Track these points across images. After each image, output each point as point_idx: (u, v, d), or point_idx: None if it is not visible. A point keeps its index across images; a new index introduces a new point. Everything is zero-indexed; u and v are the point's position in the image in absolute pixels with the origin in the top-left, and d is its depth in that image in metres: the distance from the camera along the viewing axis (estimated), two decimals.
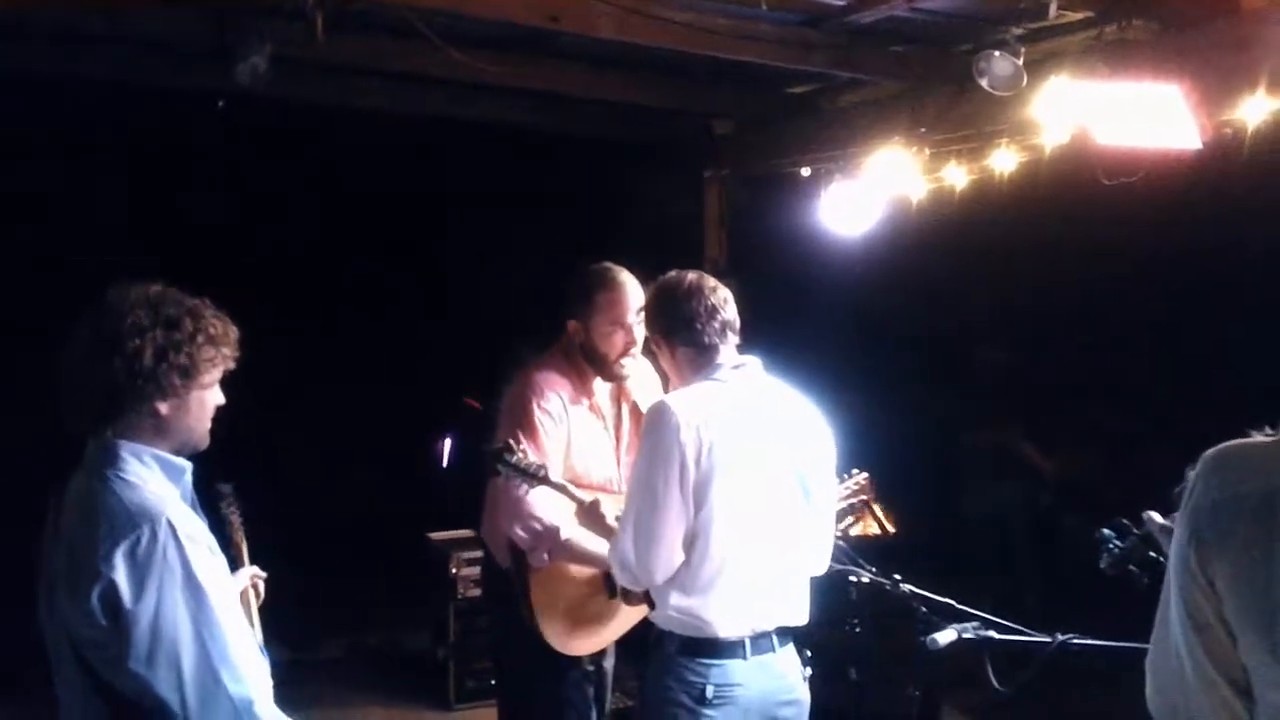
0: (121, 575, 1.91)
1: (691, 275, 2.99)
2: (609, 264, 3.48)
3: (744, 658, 2.80)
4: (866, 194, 5.05)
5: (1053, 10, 3.30)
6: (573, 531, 3.26)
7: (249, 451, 5.68)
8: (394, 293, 6.16)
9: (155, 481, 2.05)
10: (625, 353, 3.42)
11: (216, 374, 2.16)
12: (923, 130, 4.68)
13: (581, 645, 3.42)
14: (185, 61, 4.96)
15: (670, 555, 2.78)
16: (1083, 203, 4.24)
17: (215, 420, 2.21)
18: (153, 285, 2.13)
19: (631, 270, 3.55)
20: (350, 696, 5.62)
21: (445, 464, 6.25)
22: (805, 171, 5.82)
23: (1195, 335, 5.27)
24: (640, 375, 3.59)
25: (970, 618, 2.61)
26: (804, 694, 2.97)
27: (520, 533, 3.25)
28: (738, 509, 2.79)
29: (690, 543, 2.78)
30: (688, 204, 6.74)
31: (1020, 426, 6.70)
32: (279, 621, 6.07)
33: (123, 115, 5.20)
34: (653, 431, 2.80)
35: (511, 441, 3.20)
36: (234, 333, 2.19)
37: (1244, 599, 1.44)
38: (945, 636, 2.55)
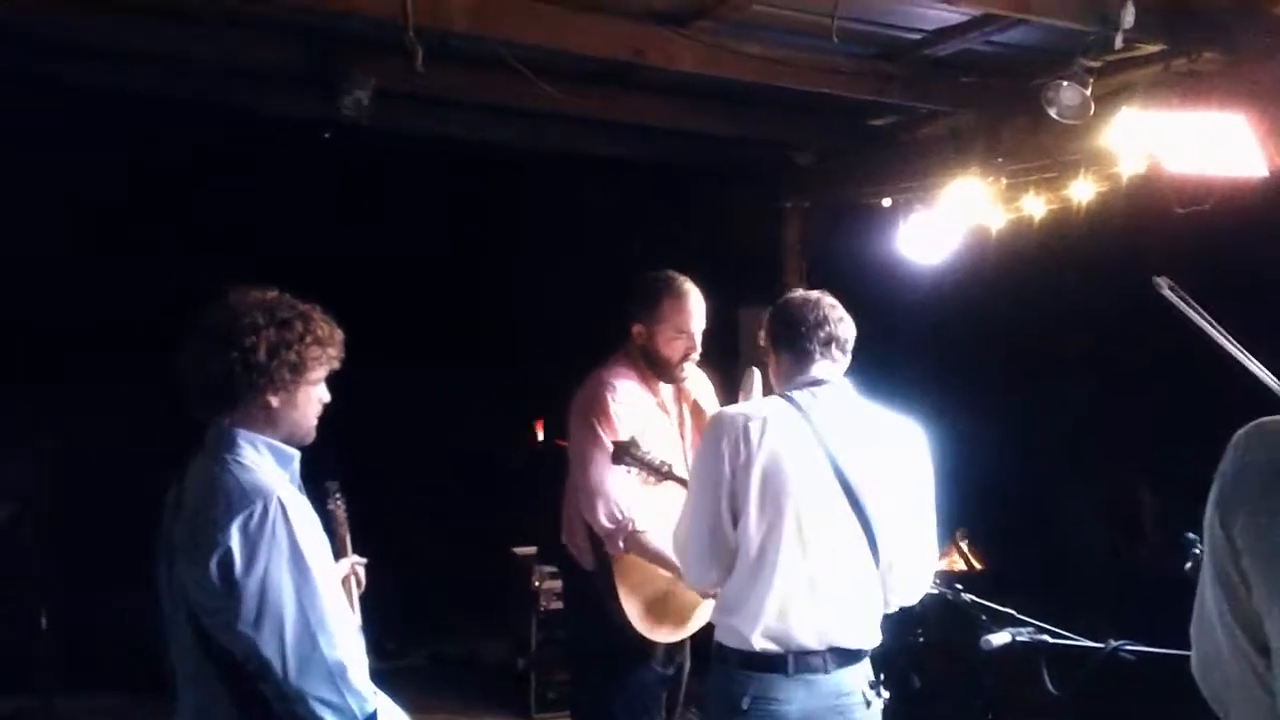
0: (236, 545, 2.11)
1: (814, 292, 3.01)
2: (675, 272, 3.64)
3: (786, 673, 2.77)
4: (944, 224, 5.15)
5: (1118, 41, 3.40)
6: (646, 526, 3.41)
7: (341, 465, 5.95)
8: (483, 315, 6.39)
9: (267, 465, 2.26)
10: (685, 359, 3.59)
11: (323, 372, 2.37)
12: (999, 160, 4.77)
13: (665, 633, 3.56)
14: (291, 91, 5.24)
15: (701, 562, 2.87)
16: (1159, 231, 4.29)
17: (321, 422, 2.42)
18: (269, 290, 2.36)
19: (710, 298, 3.70)
20: (433, 704, 5.77)
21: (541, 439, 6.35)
22: (886, 202, 5.94)
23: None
24: (695, 380, 3.76)
25: (1027, 625, 2.69)
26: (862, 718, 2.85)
27: (602, 518, 3.41)
28: (780, 526, 2.77)
29: (732, 554, 2.81)
30: (767, 234, 6.88)
31: (1125, 469, 6.62)
32: (365, 630, 6.29)
33: (227, 141, 5.51)
34: (705, 438, 2.92)
35: (635, 438, 3.38)
36: (339, 335, 2.40)
37: (1256, 556, 1.54)
38: (999, 639, 2.64)
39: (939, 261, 5.26)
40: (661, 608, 3.52)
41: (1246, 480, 1.59)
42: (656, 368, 3.62)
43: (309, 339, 2.32)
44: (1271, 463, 1.57)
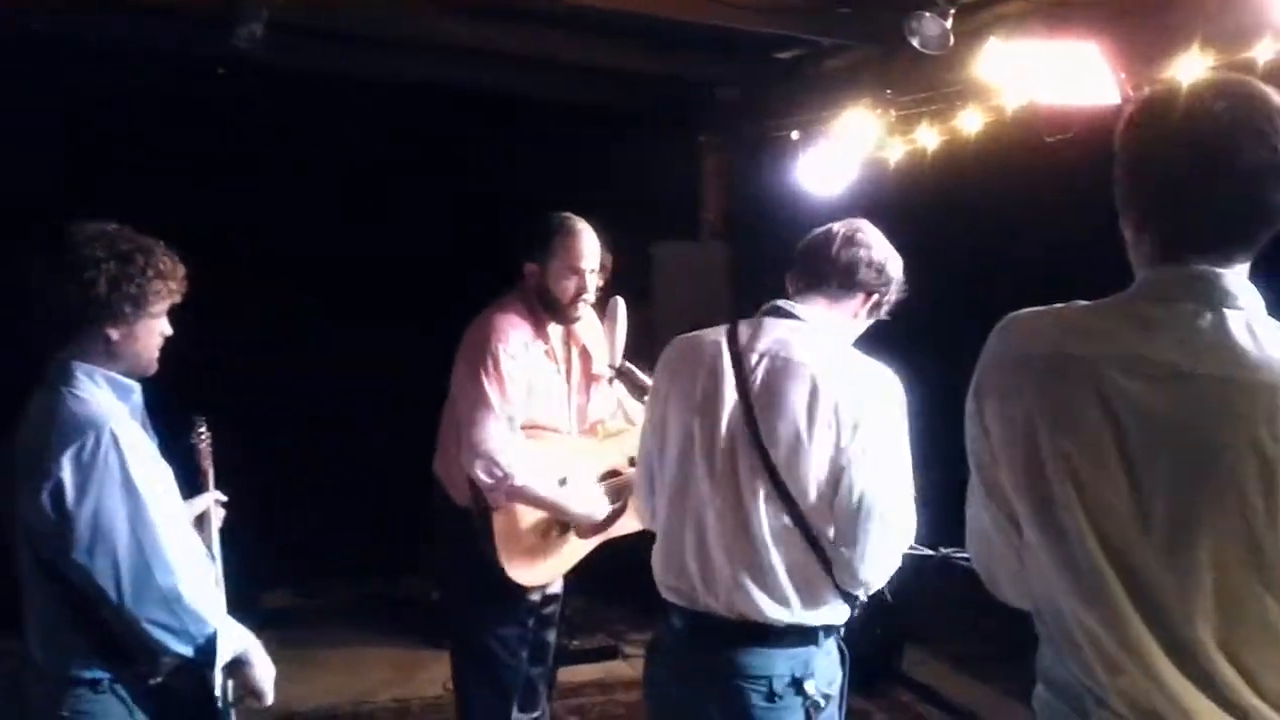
0: (67, 475, 2.18)
1: (842, 224, 2.63)
2: (569, 213, 3.69)
3: (673, 624, 2.53)
4: (840, 155, 5.22)
5: None
6: (528, 479, 3.49)
7: (259, 399, 5.98)
8: (388, 252, 6.37)
9: (105, 398, 2.32)
10: (577, 297, 3.62)
11: (164, 306, 2.42)
12: (888, 92, 4.83)
13: (536, 576, 3.66)
14: (186, 26, 5.20)
15: (640, 491, 2.70)
16: (1037, 161, 4.36)
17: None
18: (110, 224, 2.40)
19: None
20: (350, 637, 5.90)
21: None
22: (794, 135, 5.99)
23: None
24: (585, 322, 3.82)
25: None
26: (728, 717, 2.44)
27: (481, 474, 3.46)
28: (674, 465, 2.53)
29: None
30: (684, 170, 6.92)
31: None
32: (285, 566, 6.36)
33: (123, 78, 5.46)
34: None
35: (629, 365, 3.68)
36: (181, 270, 2.45)
37: (1003, 441, 1.66)
38: None
39: (837, 193, 5.32)
40: (537, 550, 3.62)
41: (996, 370, 1.71)
42: (549, 308, 3.65)
43: (150, 272, 2.37)
44: (1018, 353, 1.69)
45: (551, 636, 3.92)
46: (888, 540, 2.43)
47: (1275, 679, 1.51)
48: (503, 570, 3.54)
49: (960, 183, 5.04)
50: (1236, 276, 1.58)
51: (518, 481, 3.47)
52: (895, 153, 5.23)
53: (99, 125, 5.62)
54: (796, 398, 2.39)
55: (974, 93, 4.39)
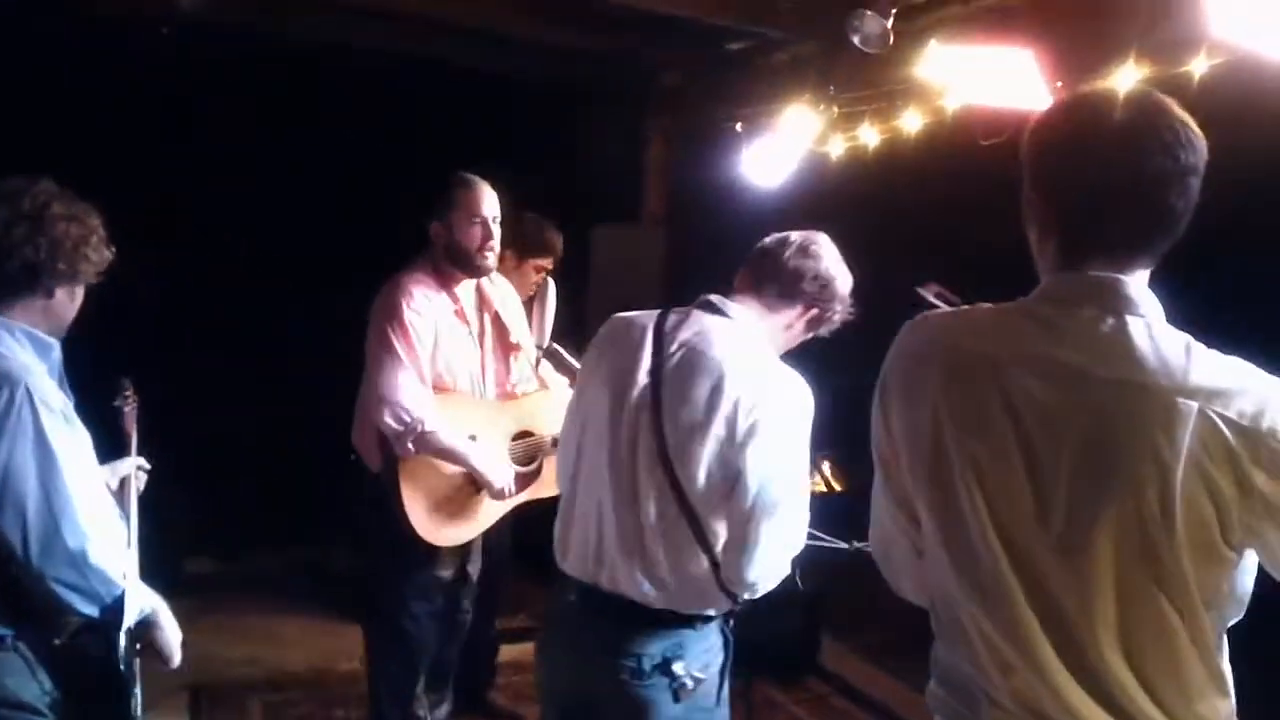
0: None
1: (799, 233, 2.64)
2: (465, 171, 3.79)
3: (566, 595, 2.56)
4: (782, 149, 5.25)
5: None
6: (437, 426, 3.53)
7: (189, 364, 5.89)
8: (323, 227, 6.29)
9: (24, 354, 2.31)
10: (485, 245, 3.69)
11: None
12: (831, 89, 4.88)
13: (447, 536, 3.69)
14: None
15: (560, 462, 2.70)
16: (975, 163, 4.42)
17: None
18: (46, 181, 2.38)
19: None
20: (272, 606, 5.84)
21: None
22: (739, 126, 6.03)
23: None
24: (501, 291, 3.89)
25: None
26: (602, 689, 2.49)
27: (389, 420, 3.51)
28: (578, 438, 2.58)
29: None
30: (628, 154, 6.92)
31: None
32: (210, 533, 6.26)
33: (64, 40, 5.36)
34: None
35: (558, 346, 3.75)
36: None
37: (903, 436, 1.71)
38: None
39: (778, 185, 5.36)
40: (448, 510, 3.64)
41: (902, 369, 1.74)
42: (459, 263, 3.72)
43: (94, 239, 2.39)
44: (923, 353, 1.72)
45: (465, 618, 3.96)
46: (776, 546, 2.45)
47: (1173, 688, 1.53)
48: (411, 528, 3.57)
49: (899, 180, 5.10)
50: (1137, 283, 1.61)
51: (426, 427, 3.52)
52: (837, 148, 5.30)
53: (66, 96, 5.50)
54: (700, 389, 2.41)
55: (915, 93, 4.45)
